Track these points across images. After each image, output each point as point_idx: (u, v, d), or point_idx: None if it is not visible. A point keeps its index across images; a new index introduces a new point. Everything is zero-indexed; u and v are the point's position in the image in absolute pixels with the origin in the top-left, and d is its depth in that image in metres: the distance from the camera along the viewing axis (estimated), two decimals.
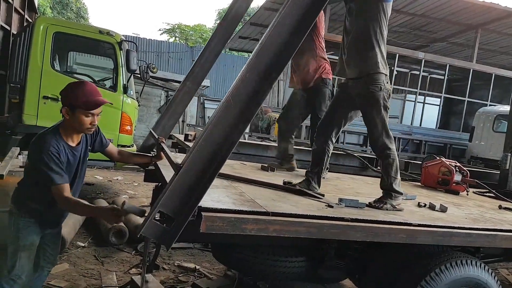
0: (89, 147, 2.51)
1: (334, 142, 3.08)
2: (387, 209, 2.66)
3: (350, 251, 2.86)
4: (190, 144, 4.75)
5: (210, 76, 14.28)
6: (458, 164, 4.41)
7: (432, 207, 3.01)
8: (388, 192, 2.79)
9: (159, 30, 49.14)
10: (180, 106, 3.88)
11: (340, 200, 2.56)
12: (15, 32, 5.88)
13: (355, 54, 2.85)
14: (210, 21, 34.32)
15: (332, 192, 2.99)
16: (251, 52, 3.27)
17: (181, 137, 5.35)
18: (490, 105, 10.92)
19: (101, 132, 2.58)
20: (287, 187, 2.85)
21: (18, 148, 4.00)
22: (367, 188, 3.76)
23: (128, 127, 6.26)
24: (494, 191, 4.28)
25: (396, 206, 2.71)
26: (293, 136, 4.18)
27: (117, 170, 9.12)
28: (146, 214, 2.03)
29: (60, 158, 2.21)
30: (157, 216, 1.77)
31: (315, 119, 3.88)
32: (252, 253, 2.78)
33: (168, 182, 1.89)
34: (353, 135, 9.64)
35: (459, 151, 10.66)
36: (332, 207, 2.43)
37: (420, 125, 11.11)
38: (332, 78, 4.06)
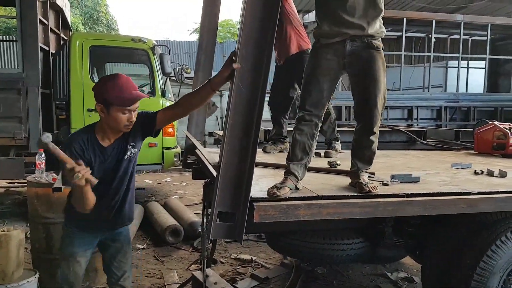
0: (131, 143, 2.20)
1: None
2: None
3: (409, 228, 2.78)
4: None
5: None
6: None
7: (490, 173, 2.87)
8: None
9: (188, 30, 50.01)
10: None
11: (393, 176, 2.49)
12: (53, 52, 6.13)
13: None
14: (236, 16, 34.54)
15: (382, 170, 2.91)
16: None
17: (221, 133, 5.41)
18: None
19: (141, 113, 2.20)
20: (337, 170, 2.80)
21: None
22: (419, 161, 3.64)
23: (170, 129, 6.42)
24: None
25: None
26: (287, 117, 3.94)
27: (165, 172, 9.37)
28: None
29: (83, 156, 2.04)
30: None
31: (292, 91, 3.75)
32: (308, 239, 2.77)
33: (215, 180, 1.90)
34: (396, 110, 9.33)
35: None
36: (387, 184, 2.36)
37: (466, 91, 10.60)
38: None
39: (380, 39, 2.34)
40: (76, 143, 2.07)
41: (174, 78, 6.88)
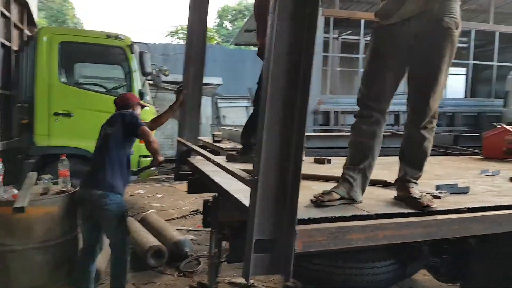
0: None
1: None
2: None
3: (446, 246, 2.38)
4: (220, 146, 4.33)
5: (221, 74, 13.77)
6: None
7: None
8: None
9: (162, 34, 50.10)
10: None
11: (438, 186, 2.07)
12: (15, 49, 5.46)
13: None
14: (211, 20, 34.66)
15: None
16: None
17: (207, 139, 4.96)
18: None
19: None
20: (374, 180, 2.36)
21: (35, 173, 3.56)
22: (438, 168, 3.27)
23: None
24: None
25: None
26: None
27: (136, 183, 8.66)
28: None
29: None
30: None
31: None
32: (331, 263, 2.31)
33: (249, 205, 1.38)
34: None
35: (494, 119, 10.18)
36: (438, 197, 1.93)
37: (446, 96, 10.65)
38: None
39: (455, 14, 1.89)
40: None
41: (151, 80, 6.33)
